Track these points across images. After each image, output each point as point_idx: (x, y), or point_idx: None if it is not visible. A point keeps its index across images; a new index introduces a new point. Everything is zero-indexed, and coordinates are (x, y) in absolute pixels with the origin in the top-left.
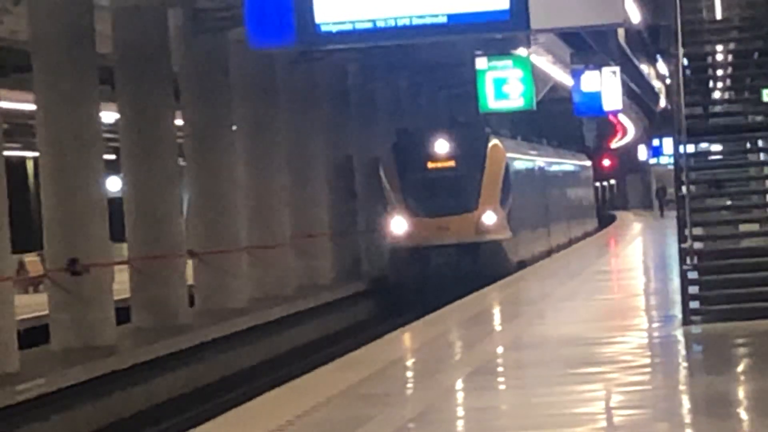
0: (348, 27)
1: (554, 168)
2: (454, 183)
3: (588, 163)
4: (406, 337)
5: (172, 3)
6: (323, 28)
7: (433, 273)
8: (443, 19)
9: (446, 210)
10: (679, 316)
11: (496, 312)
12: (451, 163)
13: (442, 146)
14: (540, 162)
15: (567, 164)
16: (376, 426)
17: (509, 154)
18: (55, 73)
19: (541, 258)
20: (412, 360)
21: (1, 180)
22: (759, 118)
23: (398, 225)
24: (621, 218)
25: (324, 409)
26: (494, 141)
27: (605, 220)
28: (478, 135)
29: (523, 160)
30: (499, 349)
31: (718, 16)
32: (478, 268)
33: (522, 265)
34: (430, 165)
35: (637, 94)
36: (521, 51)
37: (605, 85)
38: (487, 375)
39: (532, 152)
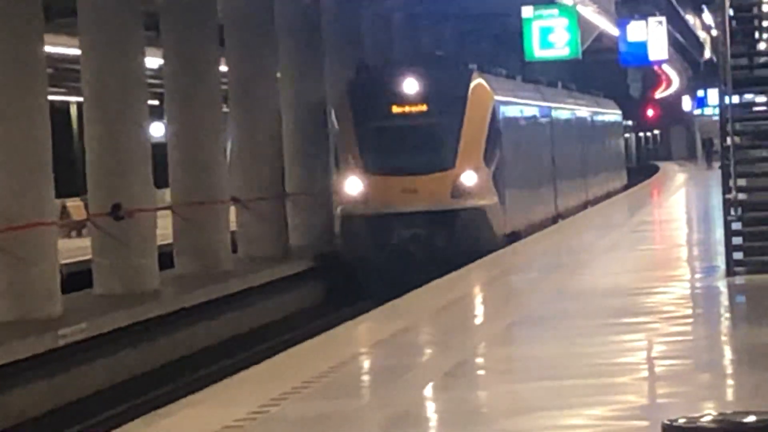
0: None
1: (565, 115)
2: (424, 133)
3: (616, 111)
4: (448, 285)
5: None
6: None
7: (396, 248)
8: None
9: (414, 168)
10: (723, 267)
11: (539, 262)
12: (422, 108)
13: (410, 86)
14: (543, 107)
15: (584, 111)
16: (419, 374)
17: (498, 97)
18: (101, 19)
19: (544, 226)
20: (455, 309)
21: (46, 125)
22: None
23: (351, 186)
24: (664, 169)
25: (367, 356)
26: (478, 80)
27: (648, 170)
28: (457, 72)
29: (519, 105)
30: (542, 300)
31: None
32: (454, 242)
33: (515, 237)
34: (395, 109)
35: (682, 44)
36: (567, 0)
37: (651, 34)
38: (530, 325)
39: (533, 95)
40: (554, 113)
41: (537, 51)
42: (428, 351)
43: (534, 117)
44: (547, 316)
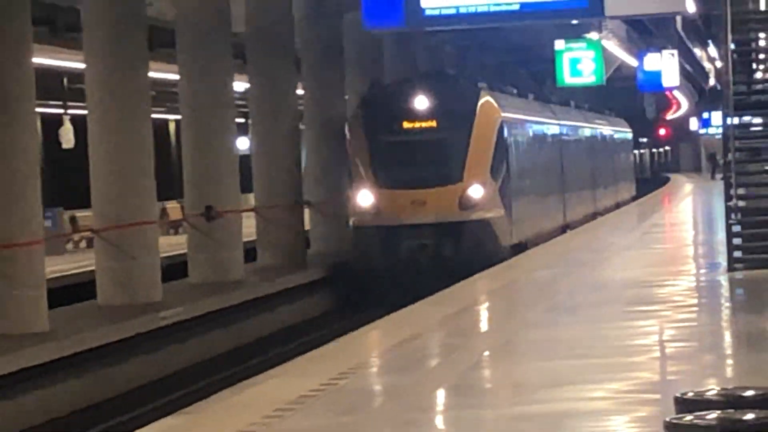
0: (448, 12)
1: (574, 132)
2: (433, 148)
3: (626, 128)
4: (490, 278)
5: None
6: (427, 12)
7: (405, 258)
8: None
9: (423, 181)
10: (724, 263)
11: (567, 259)
12: (432, 124)
13: (421, 103)
14: (553, 124)
15: (594, 128)
16: (467, 352)
17: (506, 114)
18: (196, 49)
19: (553, 236)
20: (496, 298)
21: (149, 138)
22: None
23: (363, 198)
24: (674, 180)
25: (421, 338)
26: (486, 97)
27: (661, 181)
28: (466, 90)
29: (526, 122)
30: (571, 290)
31: (762, 7)
32: (461, 252)
33: (521, 247)
34: (405, 125)
35: (690, 73)
36: (593, 35)
37: (664, 65)
38: (561, 312)
39: (543, 112)
40: (564, 130)
41: (567, 78)
42: (477, 332)
43: (542, 133)
44: (575, 304)
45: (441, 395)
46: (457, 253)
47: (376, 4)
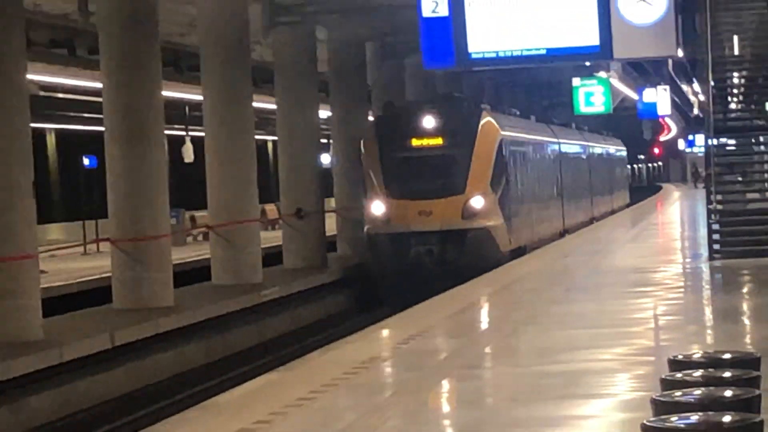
0: (486, 52)
1: (572, 148)
2: (439, 163)
3: (621, 146)
4: (518, 266)
5: (370, 37)
6: (473, 56)
7: (413, 262)
8: (543, 51)
9: (429, 193)
10: (705, 254)
11: (581, 250)
12: (438, 141)
13: (427, 122)
14: (551, 142)
15: (591, 145)
16: (502, 322)
17: (505, 132)
18: (290, 85)
19: (552, 240)
20: (524, 282)
21: (253, 155)
22: (761, 122)
23: (376, 208)
24: (666, 188)
25: (467, 311)
26: (488, 118)
27: (655, 189)
28: (468, 110)
29: (525, 139)
30: (583, 275)
31: (736, 52)
32: (463, 257)
33: (520, 252)
34: (414, 142)
35: (679, 104)
36: (602, 74)
37: (659, 97)
38: (578, 291)
39: (543, 132)
40: (562, 147)
41: (582, 108)
42: (511, 308)
43: (540, 149)
44: (587, 286)
45: (486, 355)
46: (460, 258)
47: (434, 49)
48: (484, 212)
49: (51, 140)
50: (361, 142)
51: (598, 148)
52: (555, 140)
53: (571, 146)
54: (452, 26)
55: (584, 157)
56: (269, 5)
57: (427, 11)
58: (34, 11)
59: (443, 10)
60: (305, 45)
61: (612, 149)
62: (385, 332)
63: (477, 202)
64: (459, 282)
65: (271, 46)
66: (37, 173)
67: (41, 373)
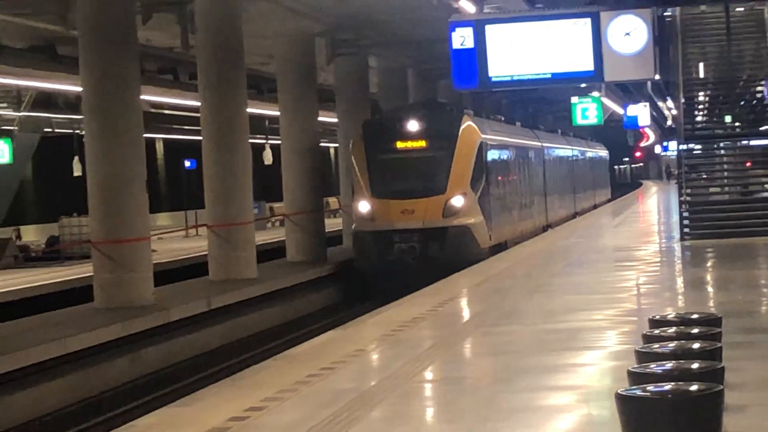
0: (503, 76)
1: (555, 151)
2: (421, 164)
3: (603, 150)
4: (528, 246)
5: (410, 65)
6: (493, 79)
7: (396, 258)
8: (548, 75)
9: (412, 193)
10: (677, 236)
11: (577, 233)
12: (421, 144)
13: (411, 126)
14: (533, 145)
15: (574, 149)
16: (515, 290)
17: (486, 136)
18: (350, 105)
19: (535, 234)
20: (532, 259)
21: (319, 159)
22: (721, 131)
23: (362, 207)
24: (646, 184)
25: (487, 282)
26: (468, 122)
27: (637, 185)
28: (450, 115)
29: (505, 142)
30: (580, 253)
31: (701, 76)
32: (444, 253)
33: (500, 248)
34: (398, 145)
35: (656, 117)
36: (595, 93)
37: (640, 112)
38: (574, 266)
39: (527, 136)
40: (546, 149)
41: (579, 120)
42: (521, 279)
43: (524, 151)
44: (583, 261)
45: (502, 317)
46: (441, 254)
47: (461, 74)
48: (464, 211)
49: (159, 147)
50: (350, 144)
51: (581, 151)
52: (539, 144)
53: (554, 149)
54: (476, 56)
55: (567, 158)
56: (331, 40)
57: (456, 44)
58: (146, 45)
59: (469, 43)
60: (359, 72)
61: (594, 152)
62: (422, 299)
63: (457, 201)
64: (440, 277)
65: (333, 72)
66: (149, 173)
67: (153, 330)
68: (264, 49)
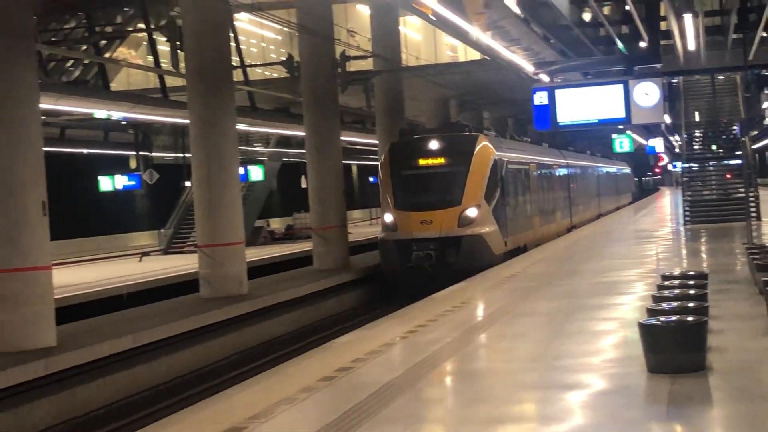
0: (567, 121)
1: (580, 167)
2: (439, 179)
3: (626, 166)
4: (580, 231)
5: (509, 116)
6: (560, 122)
7: (416, 264)
8: (596, 120)
9: (430, 205)
10: (681, 222)
11: (616, 221)
12: (441, 161)
13: (431, 146)
14: (559, 162)
15: (599, 165)
16: (575, 258)
17: (499, 153)
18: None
19: (558, 236)
20: (586, 239)
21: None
22: (709, 155)
23: (387, 218)
24: (662, 189)
25: (556, 253)
26: (484, 142)
27: (656, 190)
28: (467, 136)
29: (527, 160)
30: (618, 234)
31: (697, 119)
32: (460, 260)
33: (516, 252)
34: (421, 162)
35: (668, 146)
36: (628, 131)
37: (657, 143)
38: (614, 242)
39: (549, 155)
40: (571, 165)
41: (617, 149)
42: (580, 249)
43: (547, 167)
44: (620, 239)
45: (567, 274)
46: (456, 260)
47: (539, 120)
48: (478, 221)
49: (354, 169)
50: (379, 163)
51: (605, 166)
52: (564, 161)
53: (579, 165)
54: (549, 109)
55: (591, 172)
56: (459, 101)
57: (537, 102)
58: (344, 105)
59: (545, 101)
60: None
61: (617, 168)
62: (511, 263)
63: (471, 212)
64: (455, 282)
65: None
66: (349, 184)
67: (350, 283)
68: (418, 107)
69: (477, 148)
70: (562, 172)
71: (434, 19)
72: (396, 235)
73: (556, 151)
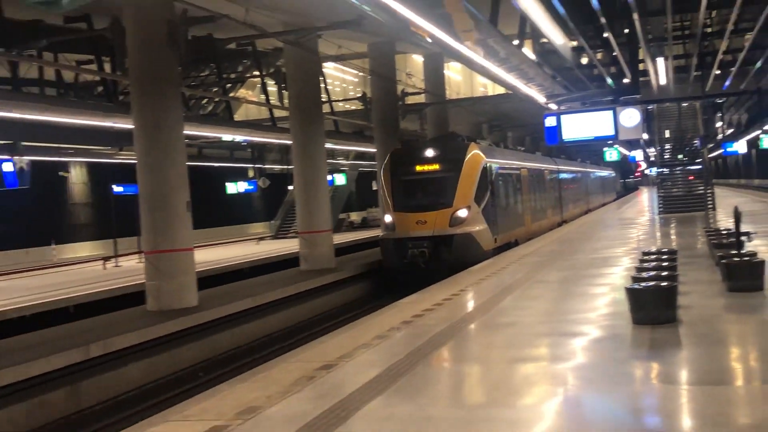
0: (570, 138)
1: (569, 171)
2: (434, 183)
3: (611, 171)
4: (582, 218)
5: (528, 135)
6: (564, 138)
7: (411, 260)
8: (592, 137)
9: (425, 206)
10: (657, 212)
11: (606, 213)
12: (435, 167)
13: (427, 153)
14: (550, 168)
15: (587, 169)
16: (577, 240)
17: (489, 159)
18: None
19: (550, 229)
20: (583, 226)
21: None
22: (677, 162)
23: (387, 219)
24: (641, 189)
25: (559, 234)
26: (475, 150)
27: (636, 189)
28: (459, 144)
29: (516, 166)
30: (608, 221)
31: (667, 136)
32: (452, 256)
33: (504, 248)
34: (417, 168)
35: (646, 156)
36: (616, 145)
37: (638, 154)
38: (606, 227)
39: (541, 161)
40: (561, 170)
41: (608, 158)
42: (579, 237)
43: (538, 171)
44: (610, 225)
45: (569, 253)
46: (448, 256)
47: (550, 137)
48: (468, 220)
49: None
50: (381, 169)
51: (592, 171)
52: (555, 167)
53: (569, 170)
54: (557, 129)
55: (580, 176)
56: (489, 125)
57: (547, 124)
58: (404, 129)
59: (554, 123)
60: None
61: (604, 172)
62: (526, 244)
63: (462, 212)
64: (450, 275)
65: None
66: None
67: (331, 284)
68: (459, 129)
69: (468, 156)
70: (554, 176)
71: (430, 41)
72: (394, 234)
73: (549, 158)
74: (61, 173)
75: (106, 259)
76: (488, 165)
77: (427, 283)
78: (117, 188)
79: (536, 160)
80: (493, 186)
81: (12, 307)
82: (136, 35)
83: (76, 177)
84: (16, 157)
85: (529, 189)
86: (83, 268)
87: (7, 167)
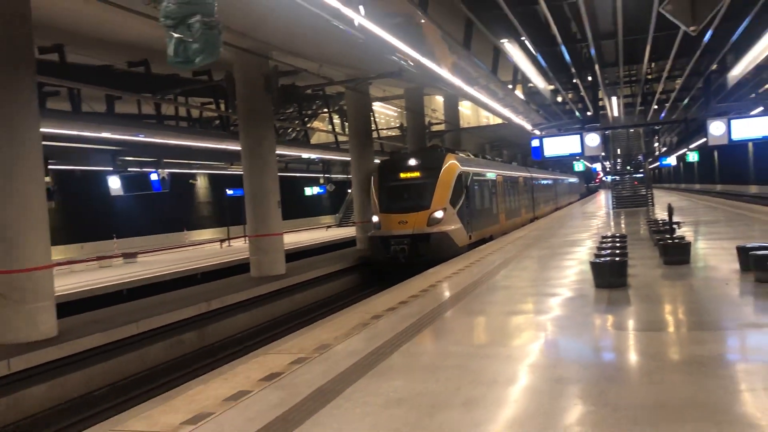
0: (549, 155)
1: (541, 178)
2: (415, 189)
3: (575, 178)
4: (556, 213)
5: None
6: (545, 155)
7: (394, 256)
8: (567, 153)
9: (406, 208)
10: (612, 207)
11: (571, 209)
12: (416, 174)
13: (410, 162)
14: (524, 175)
15: (555, 176)
16: (553, 228)
17: (464, 167)
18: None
19: (523, 225)
20: (562, 217)
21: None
22: (625, 172)
23: (374, 219)
24: (600, 191)
25: (540, 225)
26: (451, 160)
27: (596, 192)
28: (438, 154)
29: (490, 173)
30: (574, 214)
31: (619, 153)
32: (429, 252)
33: (477, 244)
34: (401, 175)
35: (604, 167)
36: (582, 160)
37: (598, 165)
38: (573, 218)
39: (516, 170)
40: (534, 176)
41: (577, 169)
42: (554, 226)
43: (510, 178)
44: (575, 216)
45: (548, 237)
46: (426, 252)
47: (535, 154)
48: (444, 220)
49: None
50: (372, 177)
51: (560, 177)
52: (528, 174)
53: (540, 177)
54: (540, 148)
55: (551, 181)
56: (490, 145)
57: (534, 145)
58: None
59: (537, 144)
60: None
61: (569, 178)
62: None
63: (438, 214)
64: (427, 268)
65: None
66: None
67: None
68: (469, 149)
69: (445, 165)
70: (527, 181)
71: (412, 64)
72: (380, 233)
73: (524, 168)
74: (190, 181)
75: (222, 241)
76: (463, 172)
77: (408, 275)
78: (229, 191)
79: (511, 168)
80: (468, 190)
81: (158, 273)
82: (242, 84)
83: (201, 184)
84: (159, 170)
85: (504, 192)
86: (205, 248)
87: (154, 177)
